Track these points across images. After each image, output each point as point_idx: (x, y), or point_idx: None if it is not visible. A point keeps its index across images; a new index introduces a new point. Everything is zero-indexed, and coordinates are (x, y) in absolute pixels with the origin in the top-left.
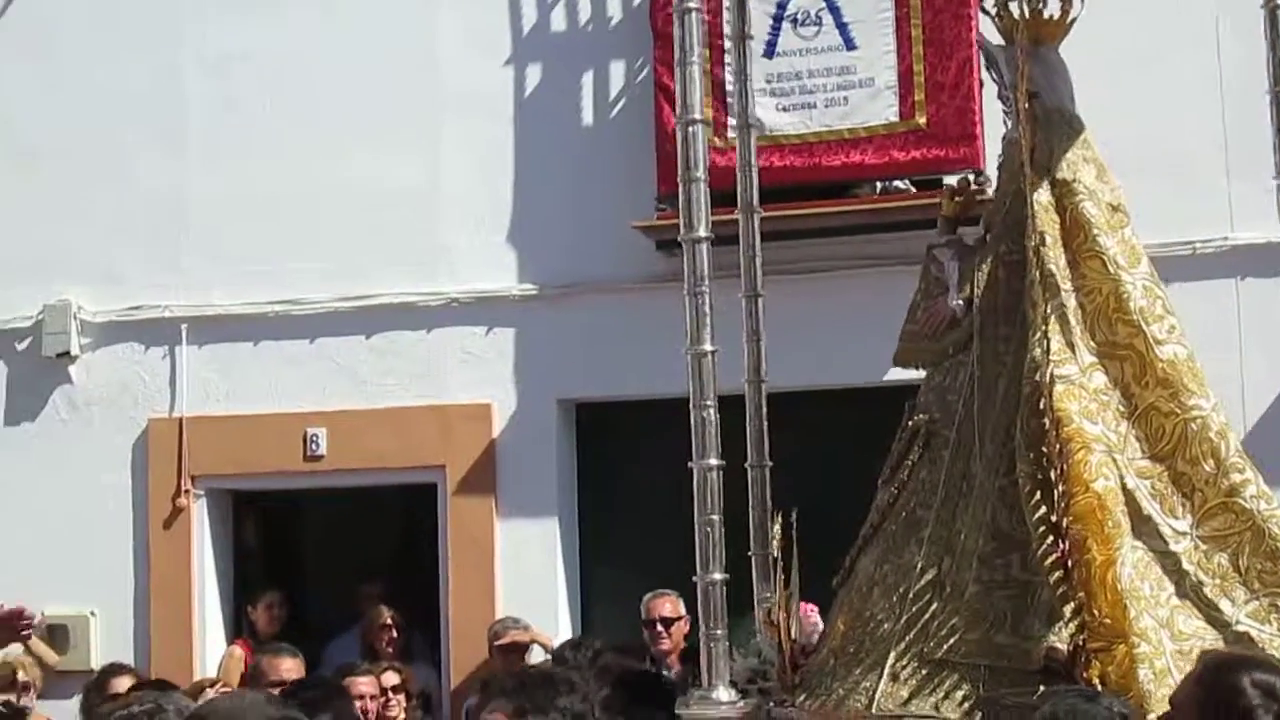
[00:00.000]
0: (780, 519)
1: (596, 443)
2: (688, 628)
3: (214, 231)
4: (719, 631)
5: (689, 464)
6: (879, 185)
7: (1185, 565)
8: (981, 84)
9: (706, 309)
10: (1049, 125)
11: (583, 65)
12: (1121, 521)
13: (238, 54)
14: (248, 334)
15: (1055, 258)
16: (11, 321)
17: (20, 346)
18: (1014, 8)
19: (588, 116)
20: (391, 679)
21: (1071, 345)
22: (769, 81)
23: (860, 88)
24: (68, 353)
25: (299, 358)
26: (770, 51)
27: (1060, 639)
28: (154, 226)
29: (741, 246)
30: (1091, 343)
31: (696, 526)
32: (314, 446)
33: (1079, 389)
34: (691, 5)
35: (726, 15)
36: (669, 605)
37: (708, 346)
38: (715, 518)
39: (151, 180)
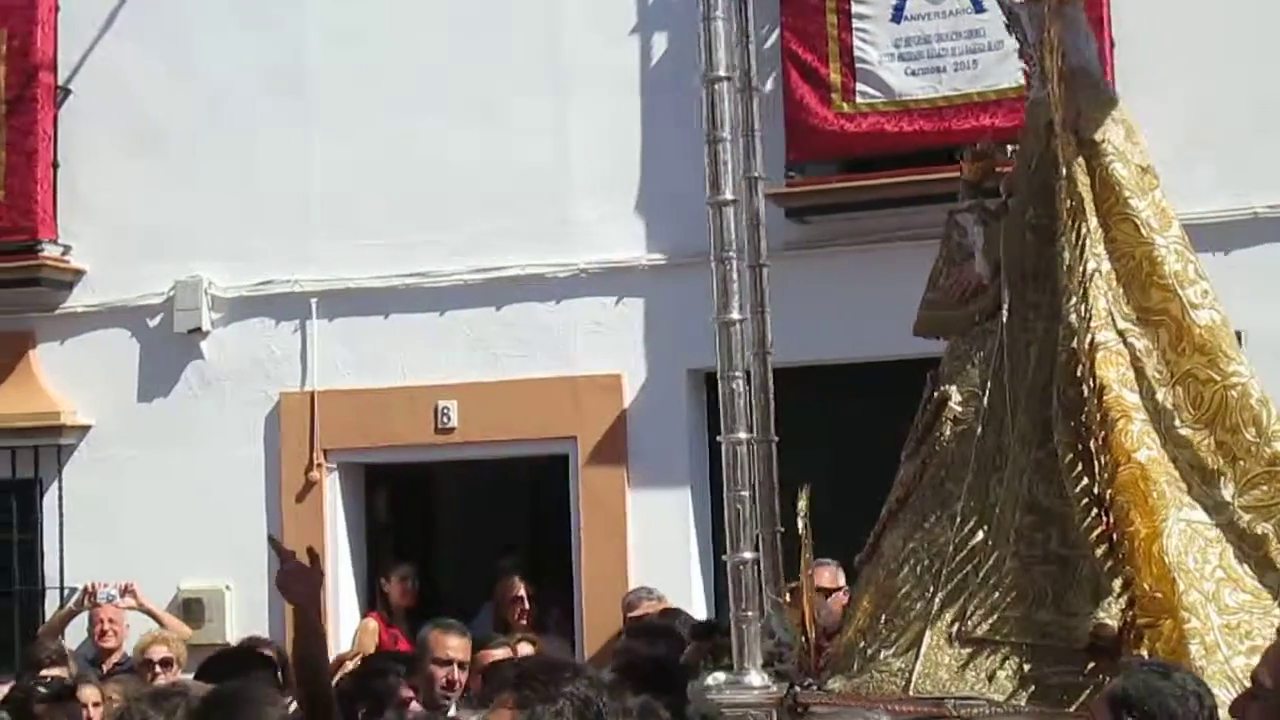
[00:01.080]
0: (805, 496)
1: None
2: (846, 599)
3: (343, 206)
4: (750, 613)
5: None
6: (1010, 149)
7: (1228, 537)
8: (1113, 45)
9: (734, 275)
10: (1075, 85)
11: None
12: (1166, 492)
13: (365, 29)
14: (378, 307)
15: (1086, 220)
16: (144, 298)
17: (152, 323)
18: None
19: None
20: (526, 650)
21: (1106, 311)
22: (897, 46)
23: (990, 50)
24: (199, 328)
25: (429, 330)
26: (898, 16)
27: (1110, 615)
28: (283, 202)
29: (746, 215)
30: (1125, 308)
31: (726, 503)
32: (445, 419)
33: (1117, 355)
34: None
35: None
36: (828, 575)
37: (735, 315)
38: (745, 493)
39: (280, 156)
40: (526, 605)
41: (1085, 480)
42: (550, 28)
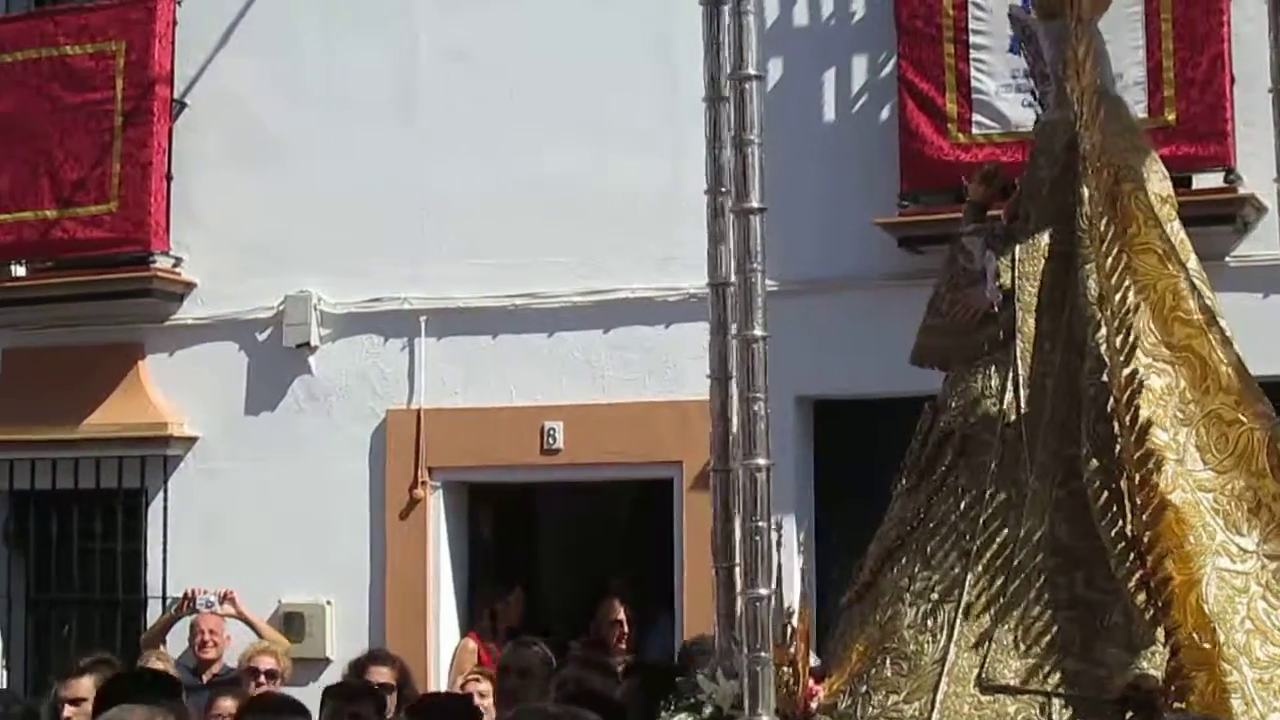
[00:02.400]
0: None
1: (834, 440)
2: None
3: (453, 224)
4: (764, 654)
5: None
6: None
7: (1253, 585)
8: (1233, 80)
9: (759, 290)
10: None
11: (825, 61)
12: (1203, 537)
13: (480, 47)
14: (486, 327)
15: (1119, 248)
16: (253, 312)
17: (261, 337)
18: None
19: (830, 112)
20: None
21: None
22: (1014, 77)
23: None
24: (308, 343)
25: (537, 351)
26: (1015, 47)
27: (1152, 665)
28: (394, 219)
29: (709, 235)
30: (1146, 343)
31: (741, 533)
32: (551, 440)
33: (1146, 391)
34: None
35: (974, 12)
36: None
37: (759, 332)
38: (763, 524)
39: (392, 173)
40: (625, 629)
41: (1120, 523)
42: (667, 50)
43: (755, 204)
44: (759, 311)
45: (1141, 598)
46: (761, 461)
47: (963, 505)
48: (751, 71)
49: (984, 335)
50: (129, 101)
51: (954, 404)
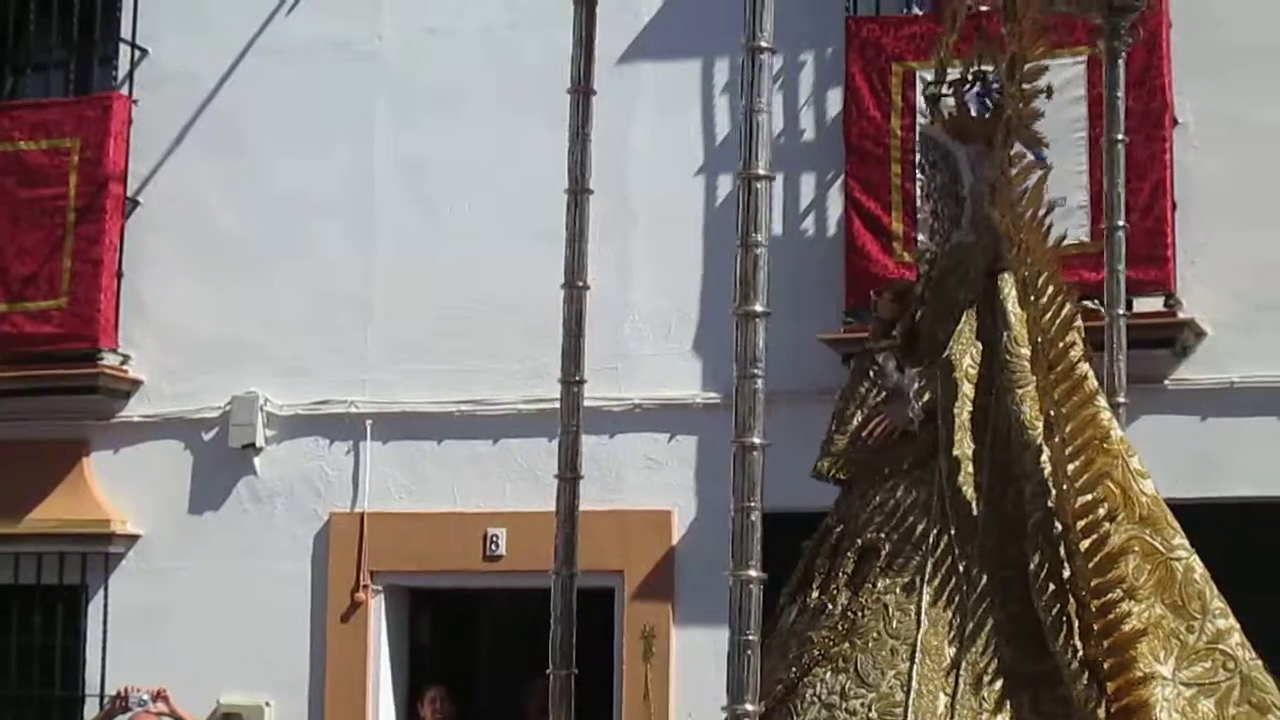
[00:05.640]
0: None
1: (778, 554)
2: None
3: (401, 330)
4: None
5: None
6: None
7: (1170, 715)
8: (1174, 206)
9: (760, 395)
10: (999, 234)
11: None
12: (1152, 664)
13: (428, 156)
14: (431, 432)
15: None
16: (199, 412)
17: (207, 437)
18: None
19: (776, 228)
20: None
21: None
22: None
23: (1056, 209)
24: (253, 444)
25: (481, 458)
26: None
27: None
28: (342, 323)
29: (564, 330)
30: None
31: (731, 648)
32: (494, 547)
33: (1118, 524)
34: (763, 45)
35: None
36: None
37: (757, 440)
38: (754, 637)
39: (340, 278)
40: None
41: (1077, 647)
42: (616, 164)
43: (759, 308)
44: (758, 419)
45: None
46: (754, 574)
47: (894, 624)
48: (762, 172)
49: (901, 452)
50: (82, 198)
51: (873, 519)
